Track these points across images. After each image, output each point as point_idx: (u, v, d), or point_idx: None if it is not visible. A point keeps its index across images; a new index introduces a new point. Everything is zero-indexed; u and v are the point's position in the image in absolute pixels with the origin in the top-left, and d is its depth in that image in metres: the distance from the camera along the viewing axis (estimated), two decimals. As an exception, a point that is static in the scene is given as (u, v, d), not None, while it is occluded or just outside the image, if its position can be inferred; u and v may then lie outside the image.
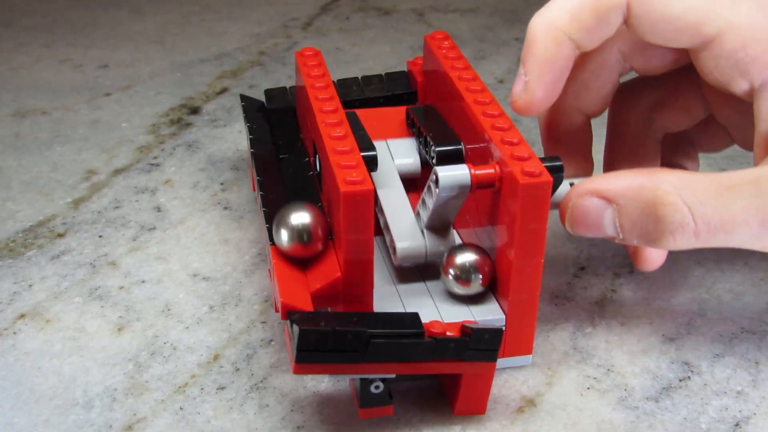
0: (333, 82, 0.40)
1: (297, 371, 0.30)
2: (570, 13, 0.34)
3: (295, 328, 0.29)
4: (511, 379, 0.36)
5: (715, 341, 0.38)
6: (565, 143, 0.39)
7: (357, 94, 0.47)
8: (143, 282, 0.42)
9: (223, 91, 0.61)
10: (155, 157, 0.53)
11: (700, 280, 0.42)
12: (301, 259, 0.34)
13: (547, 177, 0.32)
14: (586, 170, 0.39)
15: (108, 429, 0.33)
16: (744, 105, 0.34)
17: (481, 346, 0.31)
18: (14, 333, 0.38)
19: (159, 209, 0.47)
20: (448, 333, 0.31)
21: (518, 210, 0.32)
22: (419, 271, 0.37)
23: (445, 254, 0.36)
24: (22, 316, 0.39)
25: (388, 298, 0.36)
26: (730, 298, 0.40)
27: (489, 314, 0.34)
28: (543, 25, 0.34)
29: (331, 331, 0.29)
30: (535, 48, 0.34)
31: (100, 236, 0.45)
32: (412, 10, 0.76)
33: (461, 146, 0.38)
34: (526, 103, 0.35)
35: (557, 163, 0.34)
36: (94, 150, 0.54)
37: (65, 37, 0.71)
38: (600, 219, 0.32)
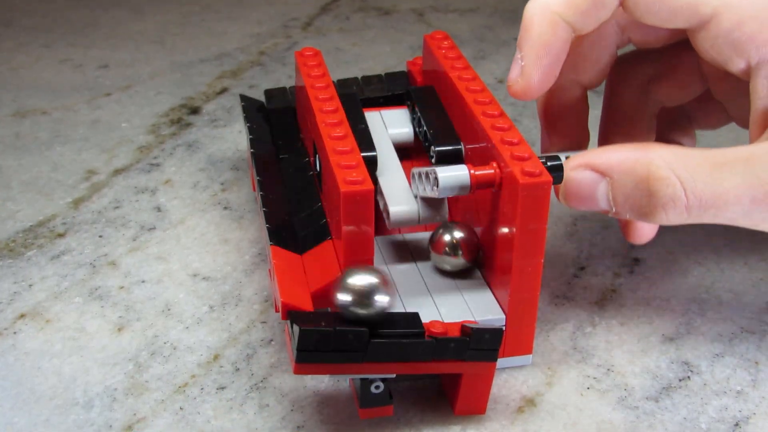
0: (333, 82, 0.40)
1: (297, 371, 0.30)
2: None
3: (296, 327, 0.29)
4: (510, 379, 0.36)
5: (715, 341, 0.38)
6: (561, 115, 0.39)
7: (357, 94, 0.47)
8: (143, 282, 0.42)
9: (223, 91, 0.61)
10: (155, 157, 0.53)
11: (700, 280, 0.42)
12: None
13: (547, 177, 0.32)
14: (582, 142, 0.39)
15: (108, 429, 0.33)
16: (741, 83, 0.34)
17: (482, 346, 0.31)
18: (14, 333, 0.38)
19: (159, 209, 0.47)
20: (448, 333, 0.31)
21: (518, 210, 0.32)
22: (420, 271, 0.38)
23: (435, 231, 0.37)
24: (22, 316, 0.39)
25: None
26: (730, 298, 0.40)
27: (489, 314, 0.34)
28: (538, 9, 0.34)
29: (331, 330, 0.29)
30: (530, 32, 0.34)
31: (100, 236, 0.45)
32: (412, 10, 0.76)
33: (461, 146, 0.38)
34: (522, 88, 0.35)
35: (557, 162, 0.34)
36: (94, 150, 0.54)
37: (65, 37, 0.71)
38: (593, 192, 0.32)
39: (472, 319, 0.34)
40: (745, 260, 0.43)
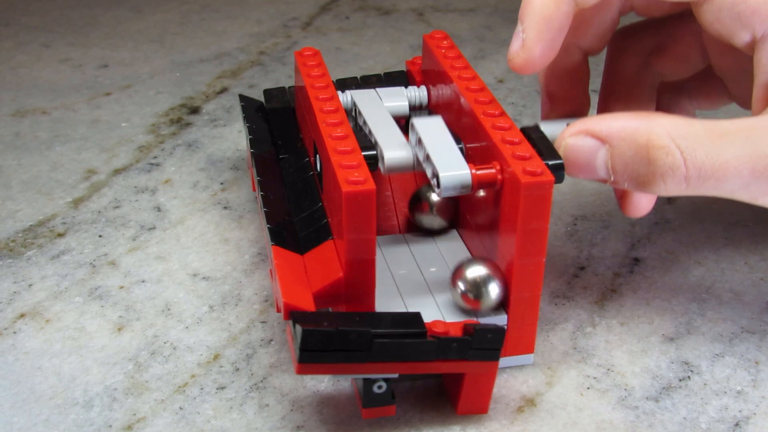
0: (332, 81, 0.40)
1: (300, 371, 0.30)
2: None
3: (298, 328, 0.29)
4: (511, 378, 0.36)
5: (715, 341, 0.38)
6: (562, 80, 0.38)
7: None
8: (143, 282, 0.41)
9: (223, 90, 0.61)
10: (155, 157, 0.53)
11: (700, 280, 0.42)
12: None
13: (549, 176, 0.32)
14: (583, 108, 0.39)
15: (108, 429, 0.33)
16: (744, 57, 0.34)
17: (484, 346, 0.31)
18: (14, 333, 0.38)
19: (159, 209, 0.47)
20: (450, 332, 0.31)
21: (520, 209, 0.32)
22: (421, 270, 0.38)
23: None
24: (22, 315, 0.39)
25: (390, 297, 0.36)
26: (730, 298, 0.40)
27: (490, 313, 0.34)
28: None
29: (334, 331, 0.29)
30: (532, 4, 0.34)
31: (100, 236, 0.45)
32: (412, 9, 0.76)
33: (461, 146, 0.38)
34: (523, 61, 0.34)
35: (558, 162, 0.34)
36: (94, 149, 0.54)
37: (65, 37, 0.71)
38: (592, 159, 0.32)
39: (474, 319, 0.34)
40: (745, 260, 0.43)
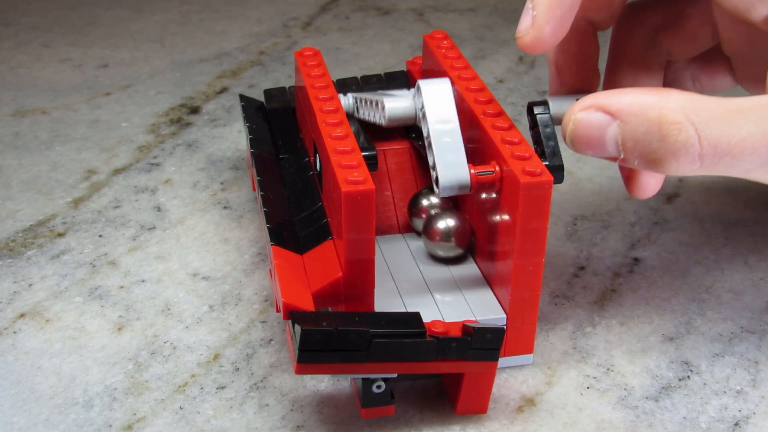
0: (332, 81, 0.40)
1: (299, 371, 0.30)
2: None
3: (297, 327, 0.29)
4: (510, 378, 0.36)
5: (715, 341, 0.38)
6: (571, 55, 0.37)
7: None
8: (143, 281, 0.42)
9: (223, 90, 0.61)
10: (155, 157, 0.53)
11: (700, 280, 0.42)
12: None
13: (548, 176, 0.32)
14: (592, 85, 0.37)
15: (108, 428, 0.33)
16: (757, 35, 0.33)
17: (483, 346, 0.31)
18: (14, 332, 0.38)
19: (159, 209, 0.47)
20: (449, 332, 0.31)
21: (519, 209, 0.32)
22: (420, 270, 0.38)
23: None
24: (22, 315, 0.39)
25: (389, 297, 0.36)
26: (730, 298, 0.40)
27: (490, 313, 0.34)
28: None
29: (333, 330, 0.29)
30: None
31: (100, 236, 0.45)
32: (412, 9, 0.76)
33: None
34: (533, 39, 0.33)
35: (558, 163, 0.34)
36: (94, 149, 0.54)
37: (65, 37, 0.71)
38: (602, 135, 0.30)
39: (473, 319, 0.34)
40: (745, 260, 0.43)
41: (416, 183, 0.42)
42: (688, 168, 0.29)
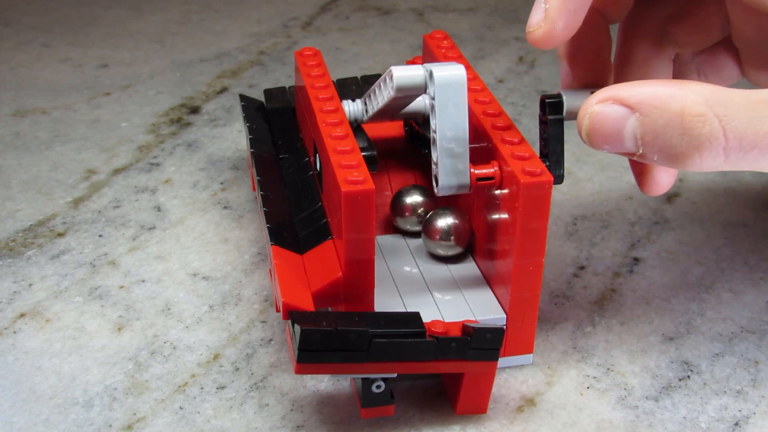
0: (332, 81, 0.40)
1: (298, 371, 0.30)
2: None
3: (297, 327, 0.29)
4: (510, 378, 0.36)
5: (715, 340, 0.38)
6: (583, 49, 0.36)
7: (356, 94, 0.47)
8: (143, 281, 0.42)
9: (223, 90, 0.61)
10: (155, 157, 0.53)
11: (700, 280, 0.42)
12: None
13: (548, 176, 0.32)
14: (606, 79, 0.36)
15: (108, 428, 0.33)
16: None
17: (483, 346, 0.31)
18: (14, 332, 0.38)
19: (159, 209, 0.47)
20: (449, 332, 0.31)
21: (519, 209, 0.32)
22: (420, 270, 0.38)
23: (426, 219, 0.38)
24: (22, 315, 0.39)
25: (389, 297, 0.36)
26: (730, 298, 0.40)
27: (490, 313, 0.34)
28: None
29: (333, 330, 0.29)
30: None
31: (100, 236, 0.45)
32: (412, 9, 0.76)
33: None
34: (545, 33, 0.31)
35: (559, 173, 0.34)
36: (94, 149, 0.54)
37: (65, 37, 0.71)
38: (620, 129, 0.29)
39: (473, 319, 0.34)
40: (745, 260, 0.43)
41: (416, 183, 0.42)
42: (712, 163, 0.28)
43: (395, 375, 0.31)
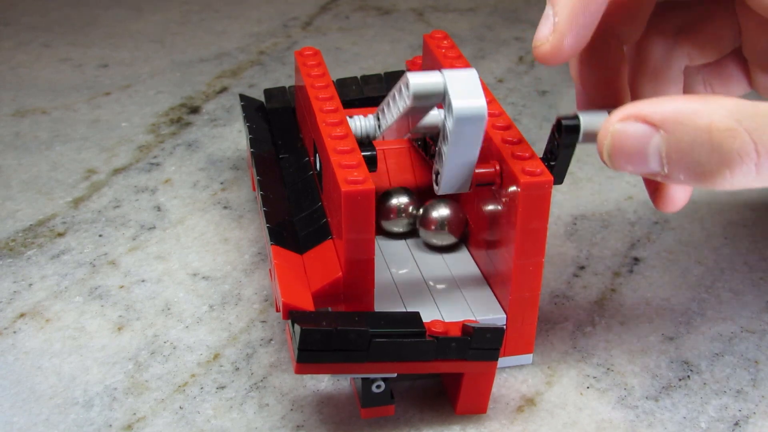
0: (332, 81, 0.40)
1: (298, 371, 0.30)
2: None
3: (297, 327, 0.29)
4: (510, 378, 0.36)
5: (715, 340, 0.38)
6: (598, 71, 0.35)
7: (356, 94, 0.47)
8: (143, 281, 0.42)
9: (223, 90, 0.61)
10: (155, 157, 0.53)
11: (700, 280, 0.42)
12: None
13: (548, 176, 0.32)
14: (622, 101, 0.35)
15: (108, 428, 0.33)
16: None
17: (483, 345, 0.31)
18: (14, 332, 0.38)
19: (159, 208, 0.47)
20: (449, 332, 0.31)
21: (519, 209, 0.32)
22: (420, 270, 0.38)
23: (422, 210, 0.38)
24: (22, 315, 0.39)
25: (389, 297, 0.36)
26: (730, 298, 0.40)
27: (490, 313, 0.34)
28: None
29: (333, 330, 0.29)
30: None
31: (100, 235, 0.45)
32: (412, 9, 0.76)
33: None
34: (552, 48, 0.30)
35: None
36: (94, 149, 0.54)
37: (65, 36, 0.71)
38: (644, 148, 0.28)
39: (473, 319, 0.34)
40: (745, 260, 0.43)
41: (416, 183, 0.42)
42: (743, 180, 0.27)
43: (395, 375, 0.31)
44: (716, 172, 0.27)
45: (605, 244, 0.44)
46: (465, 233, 0.39)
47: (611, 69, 0.35)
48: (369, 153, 0.37)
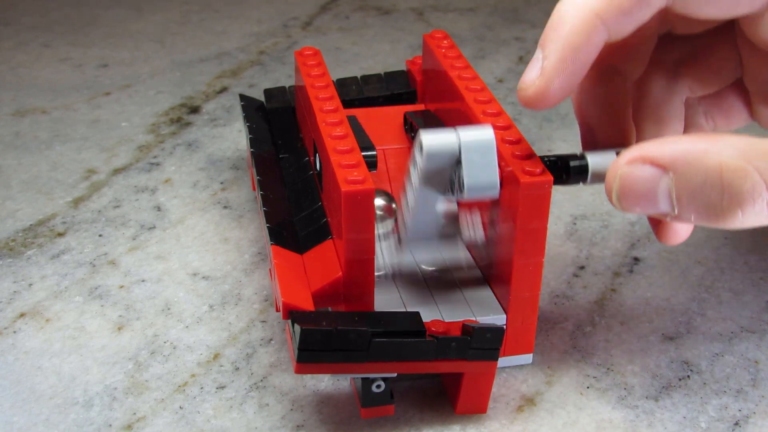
0: (332, 81, 0.40)
1: (298, 371, 0.30)
2: None
3: (297, 327, 0.29)
4: (510, 378, 0.36)
5: (715, 340, 0.38)
6: (602, 109, 0.35)
7: (356, 94, 0.47)
8: (143, 281, 0.42)
9: (223, 90, 0.61)
10: (155, 157, 0.53)
11: (700, 280, 0.42)
12: None
13: (548, 176, 0.32)
14: (628, 140, 0.35)
15: (108, 428, 0.33)
16: None
17: (483, 345, 0.31)
18: (14, 332, 0.38)
19: (159, 208, 0.47)
20: (449, 332, 0.31)
21: (519, 209, 0.32)
22: (420, 270, 0.38)
23: None
24: (22, 315, 0.39)
25: (389, 297, 0.36)
26: (730, 297, 0.40)
27: (490, 313, 0.34)
28: (574, 7, 0.30)
29: (333, 330, 0.29)
30: (560, 31, 0.30)
31: (100, 235, 0.45)
32: (412, 9, 0.76)
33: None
34: (538, 91, 0.30)
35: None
36: (94, 149, 0.54)
37: (65, 36, 0.71)
38: (653, 190, 0.28)
39: (473, 318, 0.34)
40: (745, 260, 0.43)
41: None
42: (755, 219, 0.27)
43: (395, 375, 0.31)
44: (728, 212, 0.27)
45: (605, 244, 0.44)
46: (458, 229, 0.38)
47: (616, 106, 0.35)
48: (369, 153, 0.37)
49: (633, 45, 0.34)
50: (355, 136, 0.34)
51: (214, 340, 0.38)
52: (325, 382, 0.35)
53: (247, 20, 0.74)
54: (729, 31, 0.34)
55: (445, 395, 0.35)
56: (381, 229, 0.37)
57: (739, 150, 0.26)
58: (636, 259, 0.43)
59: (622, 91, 0.35)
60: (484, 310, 0.35)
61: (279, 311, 0.32)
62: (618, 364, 0.36)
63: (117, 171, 0.51)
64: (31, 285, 0.41)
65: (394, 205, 0.39)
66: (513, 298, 0.34)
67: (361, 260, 0.32)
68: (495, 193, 0.31)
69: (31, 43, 0.69)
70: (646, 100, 0.36)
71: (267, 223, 0.36)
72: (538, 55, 0.31)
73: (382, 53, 0.68)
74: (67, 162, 0.52)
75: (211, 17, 0.75)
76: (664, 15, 0.33)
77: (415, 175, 0.32)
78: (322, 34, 0.71)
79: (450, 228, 0.36)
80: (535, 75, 0.30)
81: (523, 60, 0.66)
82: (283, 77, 0.63)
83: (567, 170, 0.32)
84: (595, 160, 0.32)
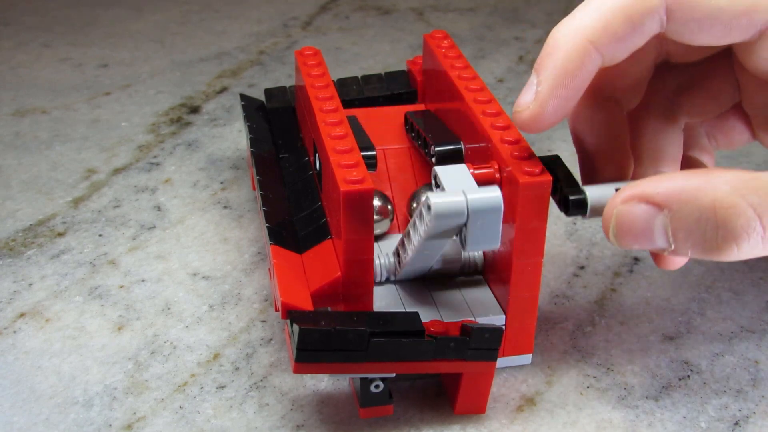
0: (332, 81, 0.40)
1: (297, 371, 0.30)
2: (600, 20, 0.30)
3: (296, 327, 0.29)
4: (510, 378, 0.36)
5: (715, 340, 0.38)
6: (600, 138, 0.35)
7: (356, 94, 0.47)
8: (143, 281, 0.42)
9: (223, 90, 0.61)
10: (155, 156, 0.53)
11: (700, 280, 0.42)
12: None
13: (547, 176, 0.32)
14: (626, 168, 0.35)
15: (108, 428, 0.33)
16: None
17: (482, 346, 0.31)
18: (14, 332, 0.38)
19: (159, 208, 0.47)
20: (448, 332, 0.31)
21: (518, 209, 0.32)
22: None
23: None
24: (22, 315, 0.39)
25: (388, 297, 0.36)
26: (730, 297, 0.40)
27: (489, 313, 0.34)
28: (568, 33, 0.31)
29: (331, 330, 0.29)
30: (554, 56, 0.30)
31: (100, 235, 0.45)
32: (412, 9, 0.76)
33: (461, 145, 0.38)
34: (532, 115, 0.31)
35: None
36: (94, 149, 0.54)
37: (65, 36, 0.71)
38: (649, 228, 0.28)
39: (472, 319, 0.34)
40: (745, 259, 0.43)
41: (416, 183, 0.42)
42: (751, 252, 0.27)
43: (394, 375, 0.31)
44: (724, 247, 0.27)
45: (605, 244, 0.44)
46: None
47: (613, 135, 0.35)
48: (369, 153, 0.37)
49: (630, 74, 0.34)
50: (354, 136, 0.35)
51: (214, 340, 0.38)
52: (325, 382, 0.35)
53: (247, 20, 0.74)
54: (726, 57, 0.34)
55: (445, 395, 0.35)
56: (377, 229, 0.37)
57: (732, 186, 0.27)
58: (636, 259, 0.43)
59: (619, 119, 0.35)
60: (483, 311, 0.35)
61: (278, 311, 0.32)
62: (618, 364, 0.36)
63: (117, 171, 0.51)
64: (31, 285, 0.41)
65: (390, 207, 0.39)
66: (512, 298, 0.34)
67: (360, 260, 0.32)
68: (495, 247, 0.32)
69: (31, 43, 0.69)
70: (644, 128, 0.36)
71: (266, 222, 0.36)
72: (533, 79, 0.31)
73: (382, 53, 0.68)
74: (67, 162, 0.52)
75: (211, 17, 0.75)
76: (660, 44, 0.34)
77: (420, 229, 0.32)
78: (322, 34, 0.71)
79: (449, 266, 0.36)
80: (529, 99, 0.31)
81: (523, 60, 0.66)
82: (283, 77, 0.63)
83: (566, 204, 0.32)
84: (594, 194, 0.32)
